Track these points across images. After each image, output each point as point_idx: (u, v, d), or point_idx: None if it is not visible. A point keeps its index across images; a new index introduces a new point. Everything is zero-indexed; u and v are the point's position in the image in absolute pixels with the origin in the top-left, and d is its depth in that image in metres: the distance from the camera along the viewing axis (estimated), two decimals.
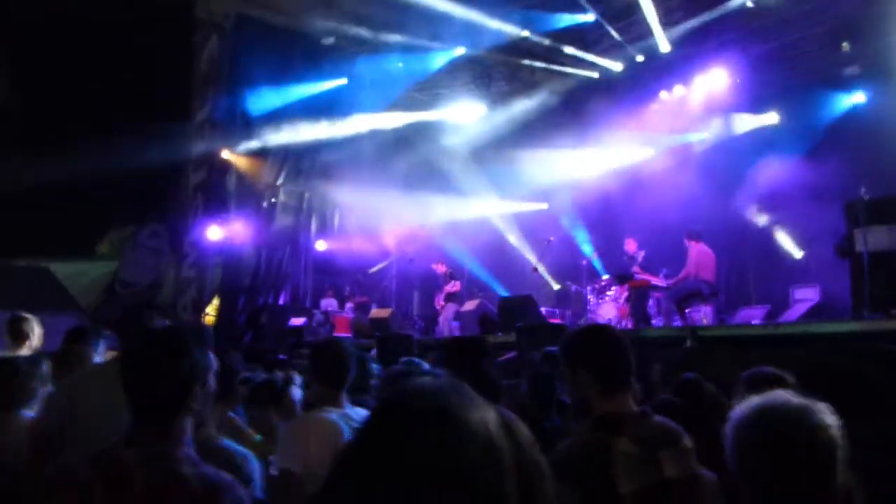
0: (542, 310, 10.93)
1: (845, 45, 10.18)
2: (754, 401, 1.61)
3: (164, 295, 12.04)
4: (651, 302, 10.45)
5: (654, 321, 10.12)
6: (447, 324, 11.56)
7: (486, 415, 1.26)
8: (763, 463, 1.53)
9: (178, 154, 11.93)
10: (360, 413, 2.96)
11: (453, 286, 11.75)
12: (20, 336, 4.27)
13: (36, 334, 4.34)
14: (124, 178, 10.47)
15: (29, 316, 4.37)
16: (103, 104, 10.20)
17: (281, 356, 9.02)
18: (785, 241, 10.98)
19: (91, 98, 10.16)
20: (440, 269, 12.09)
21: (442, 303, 11.85)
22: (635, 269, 10.17)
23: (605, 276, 11.58)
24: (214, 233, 12.64)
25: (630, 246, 10.50)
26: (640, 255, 10.29)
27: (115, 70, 9.98)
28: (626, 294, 10.42)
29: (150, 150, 10.90)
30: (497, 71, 13.15)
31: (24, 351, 4.26)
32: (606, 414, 2.33)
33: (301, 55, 12.36)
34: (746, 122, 11.72)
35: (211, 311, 12.53)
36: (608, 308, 10.99)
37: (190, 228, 12.45)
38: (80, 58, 9.87)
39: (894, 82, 9.20)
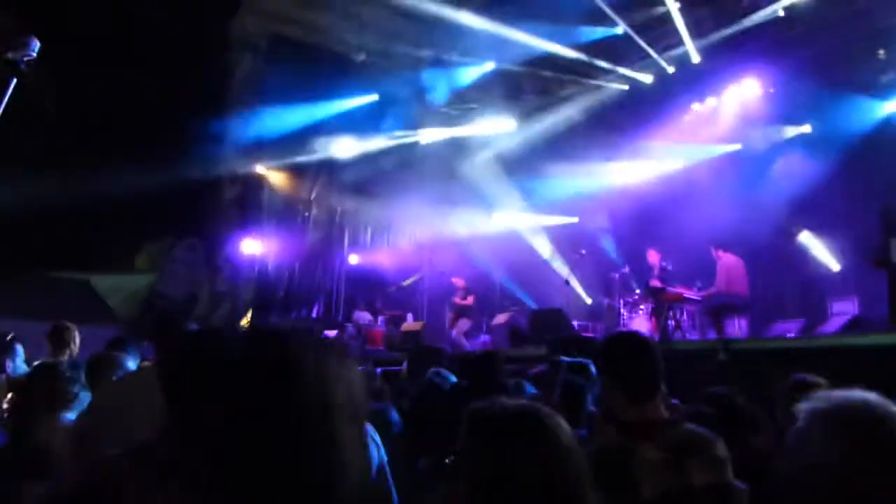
0: (574, 324, 10.89)
1: (881, 53, 10.02)
2: (835, 396, 1.58)
3: (199, 308, 12.25)
4: (685, 316, 10.34)
5: (688, 335, 10.01)
6: (460, 338, 11.58)
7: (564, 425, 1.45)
8: (848, 455, 1.48)
9: (215, 169, 12.17)
10: None
11: (466, 300, 11.81)
12: (62, 344, 4.42)
13: (76, 343, 4.48)
14: (162, 192, 10.70)
15: (70, 325, 4.52)
16: (143, 120, 10.46)
17: None
18: (822, 253, 10.79)
19: (130, 114, 10.44)
20: (459, 282, 12.16)
21: (451, 315, 11.92)
22: (653, 281, 10.10)
23: (638, 290, 11.49)
24: (249, 247, 12.86)
25: (652, 257, 10.43)
26: (663, 265, 10.20)
27: (154, 87, 10.24)
28: (650, 307, 10.34)
29: (187, 165, 11.14)
30: (527, 85, 13.20)
31: (65, 358, 4.40)
32: (633, 420, 2.34)
33: (333, 72, 12.55)
34: (780, 133, 11.58)
35: (245, 325, 12.70)
36: (641, 322, 10.89)
37: (225, 242, 12.68)
38: (119, 75, 10.14)
39: None
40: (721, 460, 2.25)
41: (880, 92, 10.31)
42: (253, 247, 12.92)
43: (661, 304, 9.86)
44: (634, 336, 2.65)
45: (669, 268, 10.43)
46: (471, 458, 1.51)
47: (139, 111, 10.30)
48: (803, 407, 1.61)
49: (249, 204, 13.06)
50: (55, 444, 2.85)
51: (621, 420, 2.36)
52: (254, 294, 12.95)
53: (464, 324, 11.76)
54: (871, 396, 1.53)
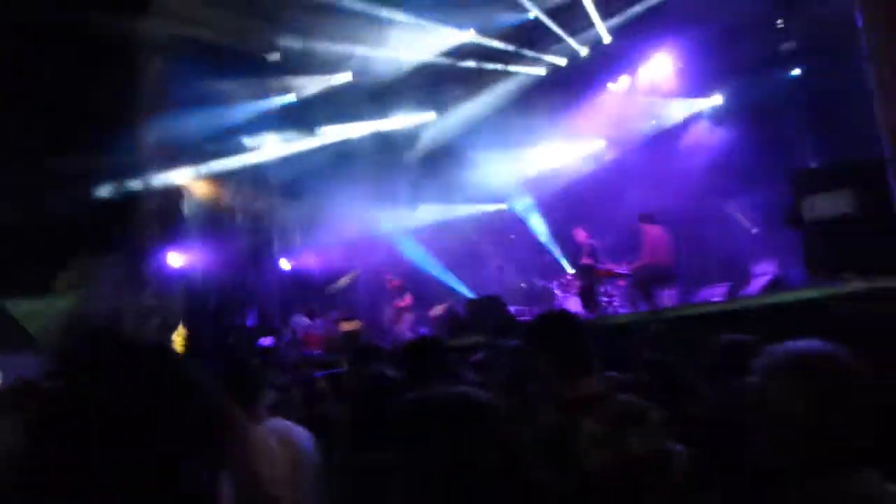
0: (511, 309, 10.99)
1: (780, 21, 10.46)
2: (792, 347, 1.60)
3: (125, 325, 11.80)
4: (616, 291, 10.59)
5: (620, 309, 10.25)
6: (405, 333, 11.60)
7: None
8: (816, 402, 1.50)
9: (130, 181, 11.74)
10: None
11: (404, 301, 11.83)
12: None
13: None
14: (77, 209, 10.26)
15: None
16: (50, 134, 9.98)
17: None
18: (740, 218, 11.21)
19: (37, 128, 9.94)
20: (394, 283, 12.14)
21: (392, 317, 11.92)
22: (584, 259, 10.30)
23: (572, 271, 11.69)
24: (175, 259, 12.46)
25: (580, 236, 10.63)
26: (591, 243, 10.40)
27: (59, 98, 9.78)
28: (582, 285, 10.53)
29: (100, 181, 10.71)
30: (446, 75, 13.21)
31: None
32: (571, 397, 2.36)
33: (248, 73, 12.27)
34: (693, 106, 11.97)
35: (178, 339, 12.32)
36: (575, 302, 11.08)
37: (149, 256, 12.25)
38: (21, 86, 9.65)
39: (829, 54, 9.46)
40: (658, 427, 2.30)
41: (783, 60, 10.76)
42: (179, 258, 12.52)
43: (592, 281, 10.06)
44: (563, 314, 2.67)
45: (598, 245, 10.66)
46: (407, 450, 1.48)
47: (45, 124, 9.82)
48: (759, 362, 1.64)
49: (171, 214, 12.65)
50: None
51: (559, 397, 2.37)
52: (184, 307, 12.56)
53: (408, 318, 11.75)
54: (824, 344, 1.57)
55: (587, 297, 10.13)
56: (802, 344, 1.60)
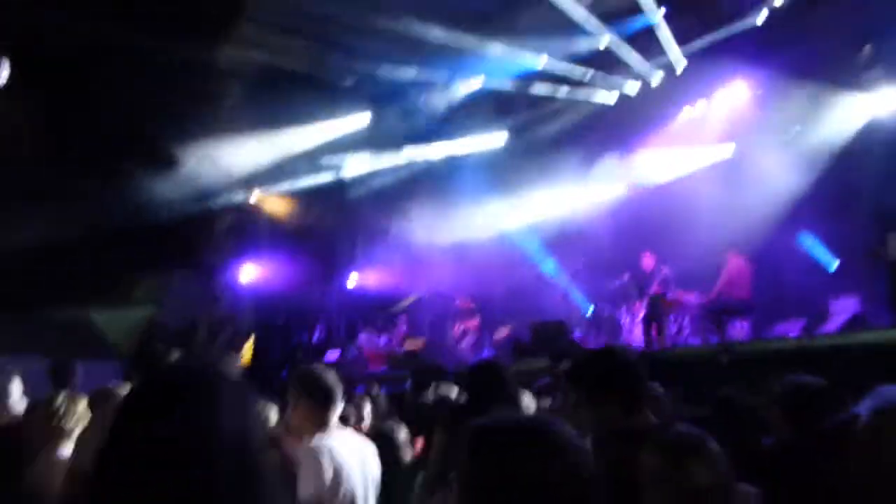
0: (577, 334, 10.86)
1: (866, 49, 10.07)
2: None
3: (198, 338, 12.23)
4: (686, 320, 10.32)
5: (690, 339, 9.99)
6: (471, 353, 11.63)
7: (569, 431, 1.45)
8: None
9: (209, 198, 12.22)
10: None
11: (472, 322, 11.85)
12: (62, 381, 4.40)
13: (76, 378, 4.46)
14: (158, 223, 10.74)
15: (69, 360, 4.50)
16: (134, 151, 10.52)
17: None
18: (821, 252, 10.77)
19: (122, 145, 10.48)
20: (466, 304, 12.17)
21: (458, 337, 11.96)
22: (654, 286, 10.09)
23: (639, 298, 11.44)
24: (247, 274, 12.87)
25: (648, 261, 10.42)
26: (663, 270, 10.18)
27: (144, 118, 10.29)
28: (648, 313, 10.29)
29: (181, 196, 11.18)
30: (517, 100, 13.26)
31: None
32: (630, 429, 2.33)
33: (322, 97, 12.63)
34: (771, 135, 11.61)
35: (246, 353, 12.68)
36: (640, 330, 10.86)
37: (222, 271, 12.69)
38: (107, 104, 10.19)
39: None
40: (717, 456, 2.23)
41: (868, 88, 10.35)
42: (251, 273, 12.92)
43: (660, 310, 9.84)
44: (616, 350, 2.64)
45: (669, 273, 10.43)
46: (470, 474, 1.48)
47: (130, 142, 10.35)
48: (867, 403, 1.59)
49: (246, 231, 13.09)
50: (52, 479, 2.83)
51: (614, 431, 2.34)
52: (254, 321, 12.93)
53: (470, 339, 11.82)
54: None
55: (651, 326, 9.91)
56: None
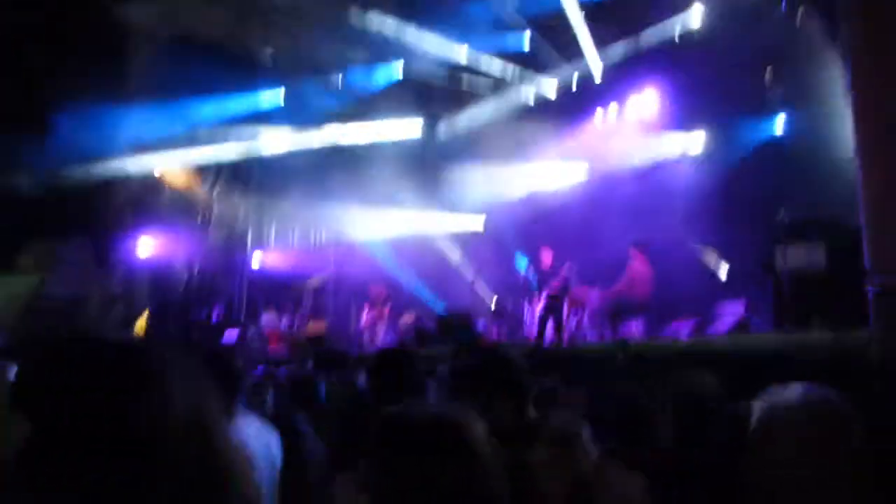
0: (480, 324, 11.02)
1: (768, 72, 10.67)
2: (793, 392, 1.62)
3: (89, 311, 11.58)
4: (585, 317, 10.67)
5: (587, 335, 10.34)
6: (381, 339, 11.60)
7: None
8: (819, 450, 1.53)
9: (107, 166, 11.56)
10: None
11: (384, 311, 11.82)
12: None
13: None
14: (49, 190, 10.07)
15: None
16: (29, 111, 9.80)
17: None
18: (712, 258, 11.37)
19: (14, 104, 9.75)
20: (379, 292, 12.09)
21: (368, 322, 11.88)
22: (554, 283, 10.38)
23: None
24: (145, 247, 12.28)
25: (546, 257, 10.69)
26: (563, 267, 10.47)
27: (41, 77, 9.62)
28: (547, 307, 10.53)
29: (76, 162, 10.53)
30: (436, 88, 13.26)
31: None
32: (513, 426, 2.39)
33: (238, 69, 12.21)
34: (677, 143, 12.15)
35: (140, 328, 12.12)
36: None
37: (118, 242, 12.05)
38: (4, 63, 9.48)
39: (813, 108, 9.69)
40: (588, 442, 2.35)
41: (766, 109, 11.00)
42: (149, 247, 12.34)
43: (557, 306, 10.12)
44: (501, 350, 2.69)
45: (572, 269, 10.73)
46: (380, 470, 1.46)
47: (25, 102, 9.65)
48: (758, 404, 1.66)
49: (146, 203, 12.48)
50: None
51: (498, 426, 2.40)
52: (150, 296, 12.37)
53: (381, 329, 11.76)
54: (823, 390, 1.60)
55: (547, 321, 10.22)
56: (798, 388, 1.62)
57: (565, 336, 10.38)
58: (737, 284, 10.38)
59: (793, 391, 1.63)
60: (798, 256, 7.07)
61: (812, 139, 9.58)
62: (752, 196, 10.01)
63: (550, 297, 10.47)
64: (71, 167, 10.23)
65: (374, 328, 11.76)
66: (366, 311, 12.19)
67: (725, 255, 11.04)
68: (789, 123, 10.86)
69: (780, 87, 10.43)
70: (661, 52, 11.08)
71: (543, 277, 10.67)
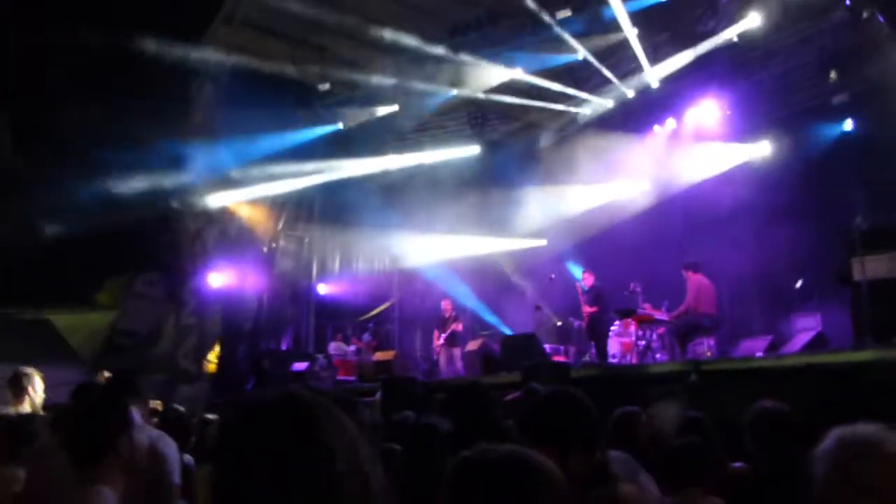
0: (546, 347, 10.89)
1: (833, 75, 10.33)
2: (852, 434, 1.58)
3: (163, 343, 11.99)
4: (654, 336, 10.42)
5: (658, 356, 10.09)
6: (455, 364, 11.55)
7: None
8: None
9: (178, 202, 12.00)
10: None
11: (458, 325, 11.76)
12: (20, 391, 4.27)
13: (37, 389, 4.34)
14: (124, 226, 10.51)
15: (30, 371, 4.37)
16: (102, 152, 10.29)
17: None
18: (784, 269, 10.97)
19: (88, 145, 10.24)
20: (447, 307, 12.07)
21: (441, 342, 11.83)
22: (587, 307, 10.27)
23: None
24: (215, 280, 12.67)
25: (587, 280, 10.58)
26: (598, 287, 10.36)
27: (113, 118, 10.09)
28: (633, 328, 10.41)
29: (148, 198, 10.96)
30: (491, 111, 13.31)
31: (25, 406, 4.25)
32: (596, 466, 2.33)
33: (296, 102, 12.54)
34: (739, 153, 11.82)
35: (212, 359, 12.48)
36: (612, 343, 10.93)
37: (189, 276, 12.47)
38: (76, 105, 9.98)
39: (882, 109, 9.31)
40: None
41: (834, 113, 10.61)
42: (219, 280, 12.73)
43: (598, 327, 10.32)
44: (575, 395, 2.59)
45: (639, 289, 10.54)
46: None
47: (98, 142, 10.13)
48: (824, 446, 1.61)
49: (215, 236, 12.89)
50: (5, 499, 2.74)
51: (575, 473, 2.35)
52: (221, 327, 12.73)
53: (458, 352, 11.72)
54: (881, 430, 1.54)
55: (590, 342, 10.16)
56: (859, 430, 1.56)
57: (632, 357, 10.19)
58: (811, 298, 9.98)
59: (865, 433, 1.56)
60: (878, 266, 6.75)
61: (885, 141, 9.18)
62: (824, 204, 9.64)
63: (590, 317, 10.37)
64: (141, 205, 10.65)
65: (450, 350, 11.72)
66: (436, 332, 12.15)
67: (798, 267, 10.63)
68: (859, 126, 10.44)
69: (846, 89, 10.08)
70: (719, 61, 10.83)
71: (583, 299, 10.62)
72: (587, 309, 10.38)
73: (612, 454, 2.76)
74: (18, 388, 4.28)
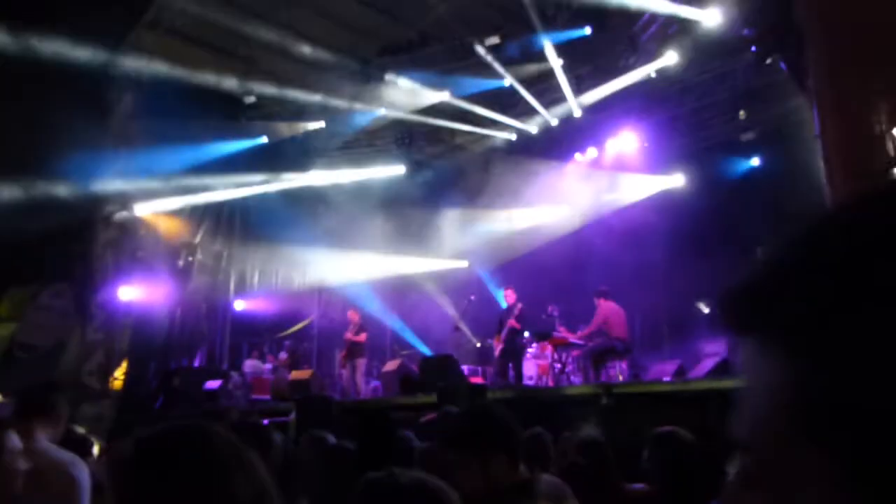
0: (464, 368, 10.95)
1: (742, 113, 10.92)
2: None
3: (67, 359, 11.40)
4: (569, 359, 10.64)
5: (573, 378, 10.30)
6: (363, 381, 11.44)
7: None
8: None
9: (87, 211, 11.52)
10: None
11: (360, 336, 11.62)
12: None
13: None
14: (28, 234, 9.99)
15: None
16: (9, 155, 9.78)
17: None
18: (694, 295, 11.42)
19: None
20: (353, 316, 11.94)
21: (342, 353, 11.72)
22: (510, 321, 10.41)
23: (526, 334, 11.72)
24: (125, 293, 12.16)
25: (509, 297, 10.76)
26: (518, 307, 10.51)
27: (24, 121, 9.62)
28: (549, 350, 10.59)
29: (57, 207, 10.47)
30: (418, 132, 13.41)
31: None
32: (519, 482, 2.37)
33: (220, 114, 12.29)
34: (655, 184, 12.32)
35: (119, 376, 11.94)
36: (529, 365, 11.10)
37: (98, 288, 11.93)
38: None
39: (787, 147, 9.89)
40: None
41: (741, 149, 11.23)
42: (130, 293, 12.22)
43: (516, 347, 10.39)
44: (497, 409, 2.63)
45: (556, 313, 10.77)
46: None
47: (8, 147, 9.63)
48: (732, 472, 1.68)
49: (127, 248, 12.40)
50: None
51: (505, 483, 2.37)
52: (130, 342, 12.20)
53: (361, 364, 11.56)
54: None
55: (508, 362, 10.26)
56: None
57: (548, 379, 10.37)
58: (717, 324, 10.39)
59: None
60: None
61: (788, 177, 9.75)
62: (731, 233, 10.13)
63: (509, 335, 10.50)
64: (51, 213, 10.16)
65: (354, 369, 11.58)
66: (344, 344, 11.98)
67: (706, 293, 11.10)
68: (765, 161, 11.08)
69: (754, 127, 10.67)
70: (638, 94, 11.29)
71: (505, 316, 10.74)
72: (511, 322, 10.45)
73: (545, 477, 2.81)
74: None
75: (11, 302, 11.56)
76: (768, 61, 9.04)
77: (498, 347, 10.72)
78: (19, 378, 9.64)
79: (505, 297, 10.98)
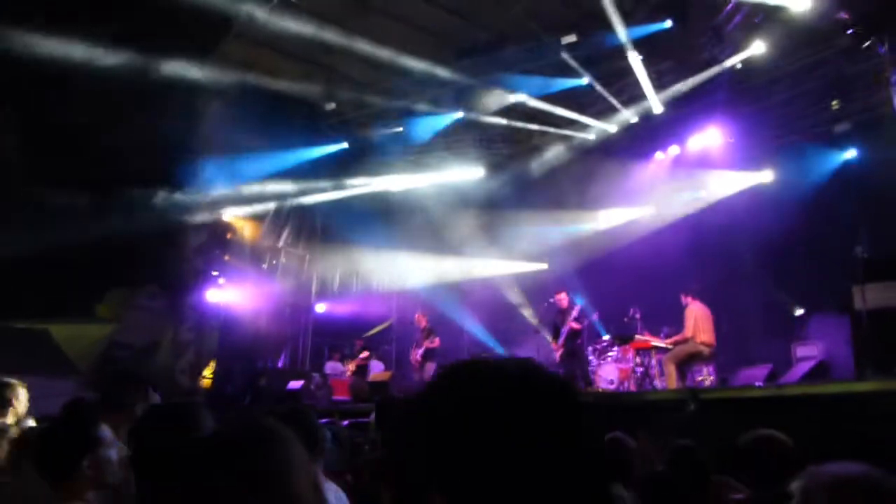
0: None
1: (835, 103, 10.33)
2: (829, 474, 1.54)
3: (161, 357, 11.93)
4: (653, 363, 10.33)
5: (656, 382, 9.99)
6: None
7: None
8: None
9: (180, 216, 12.02)
10: None
11: (432, 342, 11.63)
12: (3, 402, 4.21)
13: (21, 400, 4.27)
14: (125, 239, 10.50)
15: (13, 381, 4.30)
16: (106, 165, 10.31)
17: None
18: (784, 297, 10.90)
19: (93, 159, 10.28)
20: (421, 322, 11.98)
21: (419, 359, 11.74)
22: (570, 323, 10.17)
23: (606, 337, 11.46)
24: (214, 295, 12.64)
25: (562, 301, 10.50)
26: (576, 309, 10.26)
27: (119, 132, 10.11)
28: (630, 355, 10.33)
29: (151, 212, 10.97)
30: (496, 134, 13.34)
31: (10, 418, 4.18)
32: None
33: (303, 120, 12.59)
34: (742, 180, 11.80)
35: (207, 375, 12.40)
36: (609, 369, 10.81)
37: (190, 290, 12.44)
38: (81, 119, 10.02)
39: (884, 137, 9.29)
40: None
41: (836, 140, 10.60)
42: (219, 295, 12.69)
43: (577, 351, 10.28)
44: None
45: (638, 315, 10.48)
46: None
47: (102, 156, 10.16)
48: (798, 484, 1.57)
49: (216, 252, 12.88)
50: None
51: None
52: (218, 343, 12.67)
53: (430, 368, 11.59)
54: (862, 470, 1.50)
55: (572, 366, 9.99)
56: (840, 469, 1.51)
57: (630, 384, 10.09)
58: (812, 327, 9.88)
59: (828, 471, 1.52)
60: (878, 295, 6.68)
61: (886, 171, 9.15)
62: (825, 232, 9.59)
63: (568, 339, 10.27)
64: (145, 218, 10.66)
65: (423, 364, 11.62)
66: (413, 349, 12.06)
67: (798, 296, 10.56)
68: (861, 155, 10.42)
69: (849, 117, 10.07)
70: (722, 87, 10.85)
71: (560, 320, 10.53)
72: (571, 325, 10.26)
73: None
74: (1, 399, 4.22)
75: (110, 303, 12.18)
76: (866, 44, 8.49)
77: (557, 352, 10.56)
78: (116, 375, 10.13)
79: (558, 301, 10.79)
